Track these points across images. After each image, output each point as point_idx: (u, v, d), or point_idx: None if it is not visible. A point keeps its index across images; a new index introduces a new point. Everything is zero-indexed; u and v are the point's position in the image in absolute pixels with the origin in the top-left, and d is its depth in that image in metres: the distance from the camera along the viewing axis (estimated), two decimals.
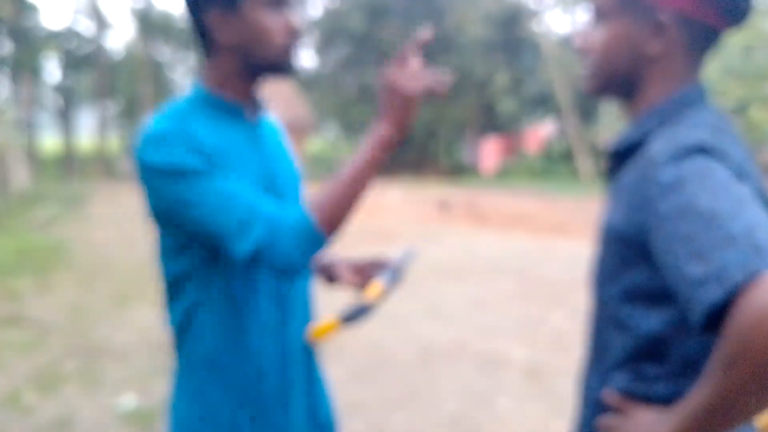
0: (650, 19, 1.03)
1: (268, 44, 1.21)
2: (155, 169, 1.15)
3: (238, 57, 1.24)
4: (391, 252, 1.57)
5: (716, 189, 0.83)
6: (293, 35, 1.23)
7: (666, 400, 0.98)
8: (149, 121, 1.22)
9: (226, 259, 1.19)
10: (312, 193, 1.20)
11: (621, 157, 1.09)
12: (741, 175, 0.88)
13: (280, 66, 1.25)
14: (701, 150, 0.89)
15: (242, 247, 1.13)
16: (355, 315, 1.23)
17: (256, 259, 1.14)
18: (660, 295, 0.96)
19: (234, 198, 1.13)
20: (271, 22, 1.20)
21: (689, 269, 0.80)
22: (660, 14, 1.02)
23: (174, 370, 1.35)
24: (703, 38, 1.04)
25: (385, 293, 1.28)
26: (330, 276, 1.52)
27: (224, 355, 1.27)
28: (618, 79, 1.10)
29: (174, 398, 1.34)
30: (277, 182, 1.31)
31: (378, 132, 1.17)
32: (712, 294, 0.76)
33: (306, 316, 1.40)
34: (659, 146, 0.95)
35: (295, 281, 1.35)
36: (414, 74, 1.17)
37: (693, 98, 1.05)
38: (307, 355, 1.39)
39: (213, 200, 1.13)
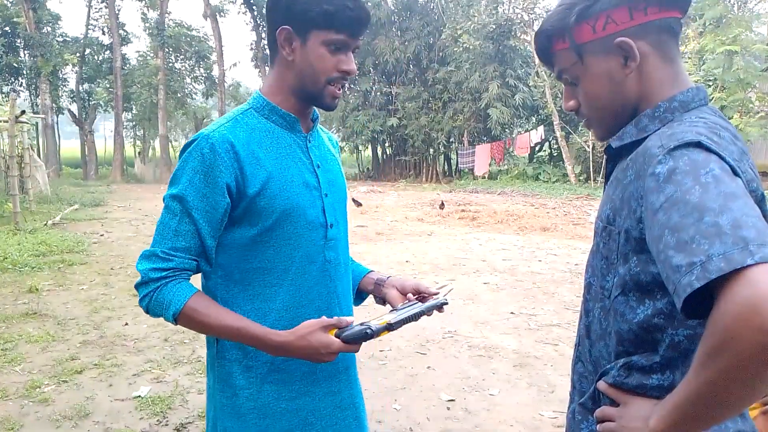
0: (611, 50, 1.03)
1: (316, 77, 1.28)
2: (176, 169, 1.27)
3: (293, 76, 1.30)
4: (433, 282, 1.55)
5: (708, 181, 0.80)
6: (340, 78, 1.29)
7: (660, 392, 0.95)
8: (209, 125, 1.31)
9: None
10: (202, 300, 1.25)
11: (619, 154, 1.07)
12: (735, 171, 0.85)
13: (320, 101, 1.32)
14: (697, 144, 0.86)
15: (137, 263, 1.27)
16: (354, 338, 1.22)
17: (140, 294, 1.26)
18: (652, 285, 0.94)
19: (163, 229, 1.26)
20: (326, 58, 1.26)
21: (676, 258, 0.78)
22: (615, 40, 1.01)
23: (208, 351, 1.39)
24: (663, 32, 1.03)
25: (391, 329, 1.25)
26: (379, 294, 1.52)
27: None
28: (617, 114, 1.08)
29: (208, 378, 1.40)
30: (322, 187, 1.35)
31: (273, 340, 1.22)
32: (693, 281, 0.74)
33: (344, 307, 1.43)
34: (655, 140, 0.93)
35: (339, 263, 1.40)
36: (325, 355, 1.21)
37: (691, 100, 1.03)
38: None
39: (164, 218, 1.27)
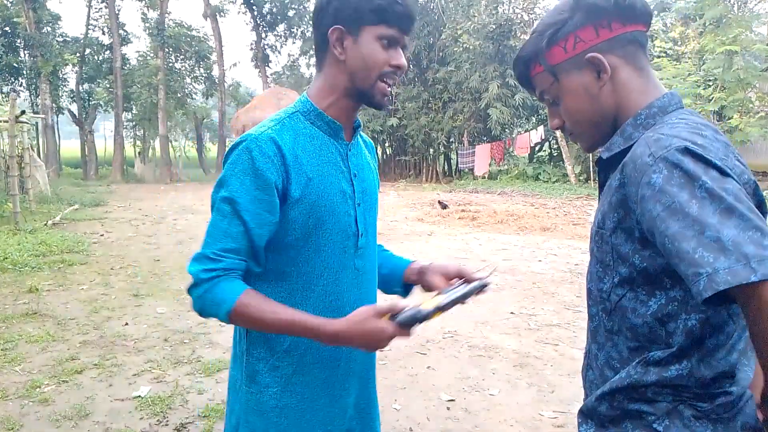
0: (583, 66, 1.10)
1: (368, 73, 1.29)
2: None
3: (344, 75, 1.30)
4: (477, 267, 1.56)
5: (704, 196, 0.87)
6: (391, 73, 1.30)
7: (681, 381, 0.98)
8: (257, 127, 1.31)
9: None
10: (254, 295, 1.25)
11: (610, 164, 1.12)
12: (724, 171, 0.90)
13: (371, 98, 1.32)
14: (684, 150, 0.91)
15: (188, 266, 1.26)
16: (407, 321, 1.22)
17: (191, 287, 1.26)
18: (662, 275, 0.98)
19: (214, 231, 1.26)
20: (379, 53, 1.28)
21: (681, 266, 0.87)
22: (586, 56, 1.09)
23: (235, 345, 1.40)
24: (630, 45, 1.10)
25: (443, 310, 1.26)
26: (423, 282, 1.52)
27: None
28: (600, 126, 1.14)
29: (233, 371, 1.41)
30: (357, 196, 1.37)
31: (327, 329, 1.22)
32: (702, 291, 0.84)
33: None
34: (643, 148, 0.96)
35: (368, 271, 1.42)
36: (381, 341, 1.23)
37: (669, 104, 1.08)
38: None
39: (214, 221, 1.27)
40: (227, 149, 1.30)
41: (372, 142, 1.57)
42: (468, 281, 1.42)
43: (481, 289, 1.40)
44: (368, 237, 1.41)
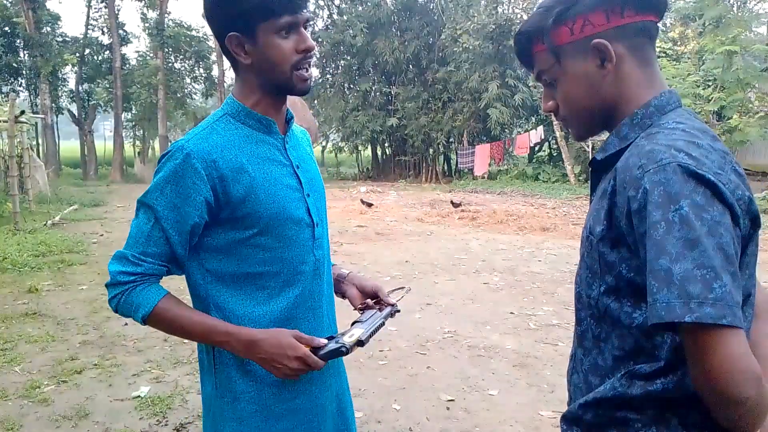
0: (588, 52, 1.05)
1: (279, 66, 1.26)
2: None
3: (258, 76, 1.29)
4: (392, 287, 1.59)
5: (674, 221, 0.85)
6: (302, 58, 1.27)
7: (666, 395, 0.95)
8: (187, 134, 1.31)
9: None
10: (172, 301, 1.28)
11: (604, 165, 1.09)
12: (716, 189, 0.87)
13: (291, 89, 1.30)
14: (677, 167, 0.88)
15: (108, 264, 1.29)
16: (326, 355, 1.27)
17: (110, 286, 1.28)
18: (645, 288, 0.94)
19: (136, 233, 1.27)
20: (281, 46, 1.24)
21: (649, 286, 0.87)
22: (592, 42, 1.04)
23: (202, 359, 1.39)
24: (640, 35, 1.05)
25: (361, 345, 1.30)
26: (338, 289, 1.55)
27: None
28: (594, 116, 1.10)
29: (204, 386, 1.39)
30: (304, 187, 1.36)
31: (242, 336, 1.25)
32: (645, 319, 0.87)
33: (332, 303, 1.48)
34: (635, 159, 0.94)
35: (325, 261, 1.43)
36: (291, 358, 1.24)
37: (666, 103, 1.05)
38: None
39: (137, 223, 1.28)
40: (159, 156, 1.30)
41: (306, 132, 1.56)
42: (380, 304, 1.45)
43: (393, 314, 1.45)
44: (323, 226, 1.41)
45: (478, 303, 5.74)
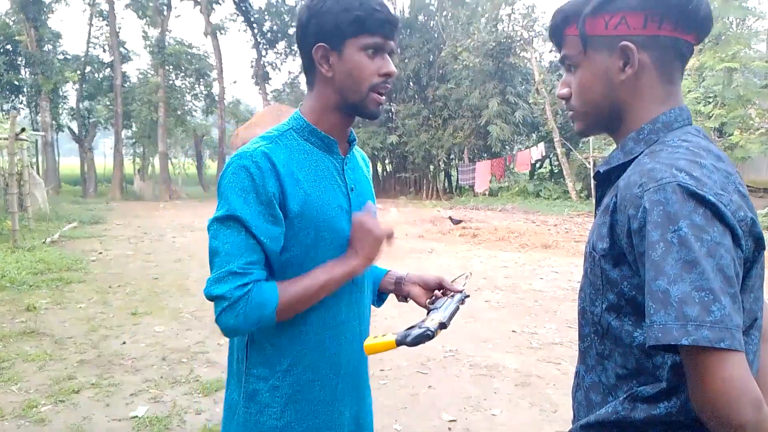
0: (615, 50, 1.04)
1: (358, 84, 1.28)
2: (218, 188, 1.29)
3: (334, 91, 1.31)
4: (454, 275, 1.58)
5: (673, 242, 0.84)
6: (382, 81, 1.30)
7: (670, 418, 0.94)
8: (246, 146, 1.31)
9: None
10: (286, 284, 1.26)
11: (608, 178, 1.08)
12: (716, 210, 0.86)
13: (364, 110, 1.32)
14: (677, 187, 0.87)
15: (211, 290, 1.22)
16: (413, 341, 1.21)
17: (214, 300, 1.22)
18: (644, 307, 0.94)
19: (230, 248, 1.22)
20: (365, 64, 1.27)
21: (647, 308, 0.86)
22: (621, 42, 1.02)
23: (231, 364, 1.41)
24: (670, 52, 1.03)
25: (444, 327, 1.26)
26: (399, 291, 1.54)
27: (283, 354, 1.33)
28: (601, 114, 1.09)
29: (231, 391, 1.40)
30: (353, 212, 1.37)
31: (350, 262, 1.30)
32: (643, 340, 0.87)
33: (364, 325, 1.47)
34: (636, 177, 0.93)
35: (364, 286, 1.44)
36: (377, 222, 1.31)
37: (675, 120, 1.03)
38: (360, 362, 1.45)
39: (226, 238, 1.23)
40: (223, 168, 1.29)
41: (366, 156, 1.58)
42: (447, 292, 1.45)
43: (463, 300, 1.43)
44: None
45: (479, 321, 5.71)
